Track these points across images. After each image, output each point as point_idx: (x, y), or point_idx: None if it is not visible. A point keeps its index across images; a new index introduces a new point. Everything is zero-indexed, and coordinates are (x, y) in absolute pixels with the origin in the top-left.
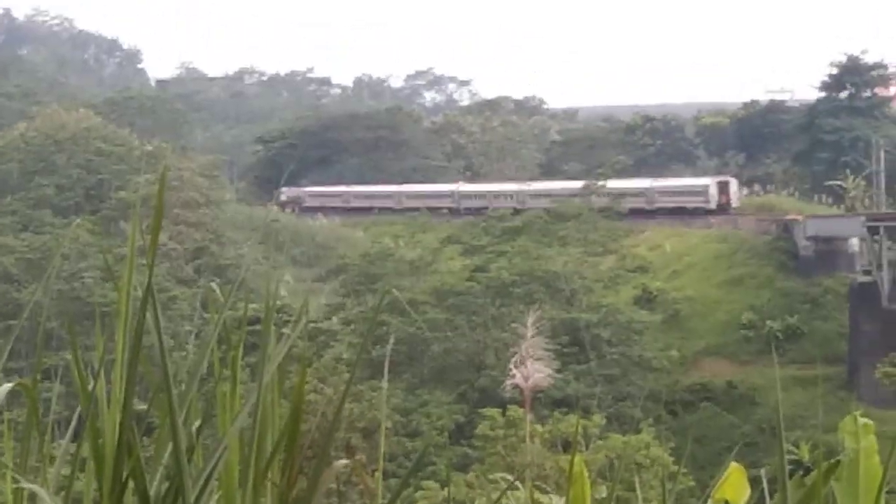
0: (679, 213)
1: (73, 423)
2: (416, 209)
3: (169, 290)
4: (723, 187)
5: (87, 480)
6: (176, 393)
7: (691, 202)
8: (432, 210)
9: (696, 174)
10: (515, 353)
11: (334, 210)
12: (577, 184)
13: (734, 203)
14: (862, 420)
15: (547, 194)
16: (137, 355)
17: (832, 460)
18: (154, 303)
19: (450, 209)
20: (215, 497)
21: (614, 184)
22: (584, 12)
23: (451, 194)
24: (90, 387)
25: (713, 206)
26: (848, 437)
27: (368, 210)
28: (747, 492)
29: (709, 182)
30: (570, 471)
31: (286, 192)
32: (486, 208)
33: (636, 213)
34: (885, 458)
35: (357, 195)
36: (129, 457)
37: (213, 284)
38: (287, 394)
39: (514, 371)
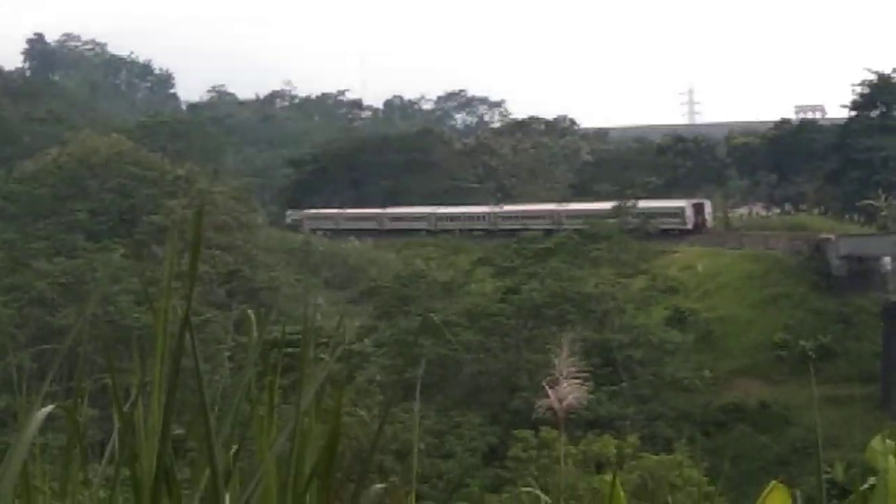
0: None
1: (110, 447)
2: (399, 231)
3: (202, 314)
4: (698, 209)
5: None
6: (213, 417)
7: (668, 223)
8: (413, 231)
9: (728, 194)
10: (549, 374)
11: (367, 232)
12: (549, 206)
13: (709, 223)
14: (889, 441)
15: (519, 216)
16: (176, 380)
17: (868, 484)
18: (191, 328)
19: (427, 231)
20: None
21: (587, 206)
22: (615, 33)
23: (428, 217)
24: (128, 411)
25: (689, 226)
26: (879, 457)
27: (357, 231)
28: None
29: (684, 204)
30: (611, 491)
31: (290, 215)
32: (462, 230)
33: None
34: None
35: (346, 217)
36: (167, 482)
37: (249, 311)
38: (322, 417)
39: (548, 391)
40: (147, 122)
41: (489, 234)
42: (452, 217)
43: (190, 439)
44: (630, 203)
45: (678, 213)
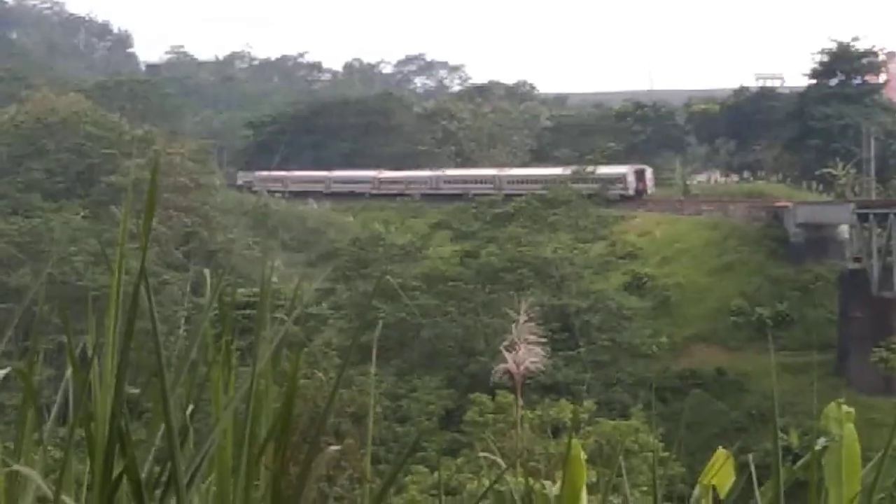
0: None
1: (57, 405)
2: (344, 193)
3: (159, 275)
4: (639, 175)
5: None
6: (168, 377)
7: (609, 189)
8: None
9: (686, 161)
10: (506, 338)
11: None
12: (490, 171)
13: (650, 190)
14: (844, 408)
15: (461, 180)
16: (131, 339)
17: (820, 446)
18: (147, 287)
19: (372, 194)
20: (208, 481)
21: (529, 171)
22: None
23: (371, 180)
24: (83, 371)
25: (631, 192)
26: (832, 423)
27: (305, 193)
28: (732, 477)
29: (626, 170)
30: (567, 453)
31: (241, 177)
32: (404, 194)
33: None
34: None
35: (294, 179)
36: (122, 442)
37: (206, 272)
38: (279, 379)
39: (506, 355)
40: (105, 81)
41: (431, 197)
42: (395, 181)
43: (146, 399)
44: (578, 169)
45: (620, 180)
